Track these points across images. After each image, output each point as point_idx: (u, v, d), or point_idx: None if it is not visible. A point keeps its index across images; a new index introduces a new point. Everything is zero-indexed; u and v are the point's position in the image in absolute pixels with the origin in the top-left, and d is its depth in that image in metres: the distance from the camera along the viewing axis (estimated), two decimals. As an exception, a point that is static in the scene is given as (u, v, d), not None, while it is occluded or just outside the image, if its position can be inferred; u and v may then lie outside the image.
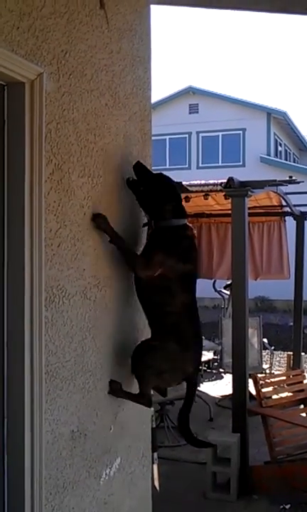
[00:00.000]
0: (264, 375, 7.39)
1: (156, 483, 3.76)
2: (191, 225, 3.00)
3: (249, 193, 5.11)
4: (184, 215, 2.95)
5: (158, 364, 2.82)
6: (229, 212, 5.30)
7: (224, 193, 5.46)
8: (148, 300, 2.90)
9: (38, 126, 2.18)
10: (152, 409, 3.62)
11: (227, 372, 8.07)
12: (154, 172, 3.01)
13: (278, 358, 10.40)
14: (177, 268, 2.80)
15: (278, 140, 21.86)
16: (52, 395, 2.29)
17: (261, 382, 5.24)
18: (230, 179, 5.09)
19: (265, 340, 8.80)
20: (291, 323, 8.97)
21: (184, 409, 3.07)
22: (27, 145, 2.14)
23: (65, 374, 2.39)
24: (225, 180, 5.15)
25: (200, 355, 3.12)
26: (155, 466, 3.70)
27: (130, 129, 3.03)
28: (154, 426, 3.72)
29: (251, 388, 5.29)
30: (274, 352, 9.82)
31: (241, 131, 20.34)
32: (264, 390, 5.19)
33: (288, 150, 23.85)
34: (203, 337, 9.23)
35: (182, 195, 6.48)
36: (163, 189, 2.92)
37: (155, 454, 3.69)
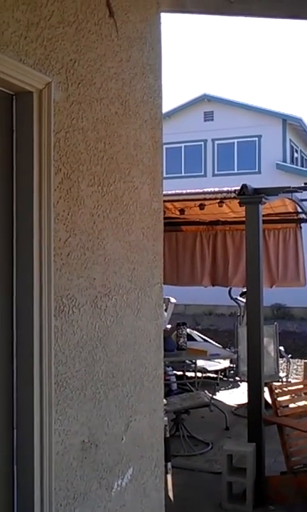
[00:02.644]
0: (280, 383, 7.33)
1: (171, 494, 3.73)
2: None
3: (263, 200, 5.09)
4: None
5: None
6: (244, 219, 5.27)
7: (238, 201, 5.43)
8: None
9: (47, 136, 2.18)
10: (166, 418, 3.59)
11: (244, 381, 8.00)
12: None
13: (295, 366, 10.31)
14: None
15: (294, 146, 21.77)
16: (62, 405, 2.28)
17: (277, 390, 5.18)
18: (244, 186, 5.07)
19: (281, 348, 8.72)
20: (308, 331, 8.88)
21: None
22: (35, 154, 2.14)
23: (75, 384, 2.37)
24: (239, 188, 5.12)
25: None
26: (169, 476, 3.67)
27: (141, 137, 3.02)
28: (168, 435, 3.70)
29: (268, 397, 5.24)
30: (291, 360, 9.74)
31: (256, 138, 20.29)
32: (279, 398, 5.13)
33: (305, 156, 23.74)
34: (220, 345, 9.11)
35: (197, 203, 6.52)
36: None
37: (170, 464, 3.66)
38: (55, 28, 2.25)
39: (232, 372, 8.92)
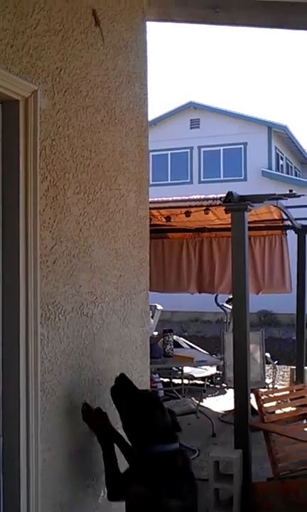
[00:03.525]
0: (266, 389, 7.34)
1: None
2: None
3: (249, 207, 5.11)
4: (174, 438, 2.50)
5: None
6: (230, 226, 5.29)
7: (224, 208, 5.45)
8: None
9: (33, 144, 2.19)
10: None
11: (230, 387, 8.00)
12: (140, 389, 2.66)
13: (281, 372, 10.33)
14: (168, 507, 2.34)
15: (280, 154, 21.90)
16: (48, 413, 2.27)
17: (263, 397, 5.19)
18: (229, 193, 5.08)
19: (268, 354, 8.74)
20: (295, 337, 8.92)
21: None
22: (21, 162, 2.15)
23: (62, 391, 2.37)
24: (225, 195, 5.14)
25: None
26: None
27: (127, 144, 3.04)
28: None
29: (254, 403, 5.25)
30: (278, 366, 9.76)
31: (242, 146, 20.39)
32: (266, 405, 5.13)
33: (290, 164, 23.89)
34: (206, 352, 9.10)
35: (183, 210, 6.54)
36: (151, 409, 2.47)
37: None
38: (41, 37, 2.27)
39: (218, 378, 8.92)
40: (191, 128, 21.04)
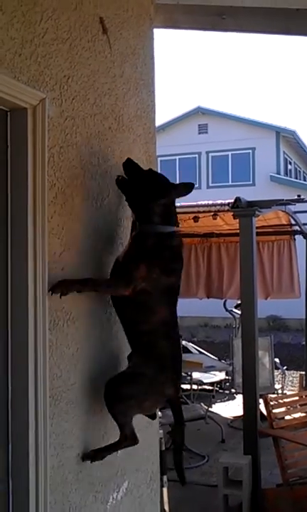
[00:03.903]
0: (275, 395, 7.32)
1: (166, 507, 3.72)
2: (182, 235, 2.77)
3: (257, 212, 5.12)
4: (174, 222, 2.66)
5: (134, 394, 2.53)
6: (238, 231, 5.30)
7: (232, 213, 5.46)
8: (124, 316, 2.64)
9: (41, 151, 2.20)
10: (161, 431, 3.59)
11: (239, 393, 7.98)
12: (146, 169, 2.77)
13: (290, 378, 10.31)
14: (158, 282, 2.53)
15: (288, 159, 21.90)
16: (57, 419, 2.28)
17: (272, 402, 5.18)
18: (237, 199, 5.10)
19: (277, 359, 8.73)
20: (304, 342, 8.90)
21: (177, 440, 2.80)
22: (30, 169, 2.17)
23: (70, 397, 2.38)
24: (233, 201, 5.16)
25: (180, 374, 2.77)
26: (165, 490, 3.66)
27: (134, 151, 3.05)
28: (164, 448, 3.69)
29: (263, 409, 5.24)
30: (287, 372, 9.74)
31: (250, 151, 20.42)
32: (275, 410, 5.13)
33: (298, 168, 23.89)
34: (215, 357, 9.10)
35: (191, 216, 6.55)
36: (154, 188, 2.62)
37: (165, 477, 3.66)
38: (49, 45, 2.29)
39: (227, 384, 8.92)
40: (199, 133, 21.09)
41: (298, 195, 6.37)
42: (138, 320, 2.59)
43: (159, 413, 3.38)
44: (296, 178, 22.67)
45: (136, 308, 2.56)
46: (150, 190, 2.61)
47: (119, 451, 2.72)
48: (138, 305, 2.55)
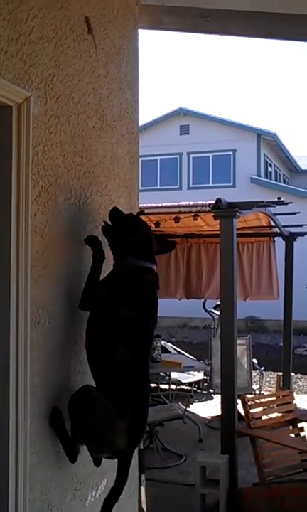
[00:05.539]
0: (253, 395, 7.38)
1: (144, 506, 3.73)
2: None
3: (237, 214, 5.16)
4: (151, 259, 2.61)
5: (85, 423, 2.34)
6: (219, 232, 5.33)
7: (212, 214, 5.49)
8: (90, 348, 2.50)
9: (25, 149, 2.21)
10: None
11: (217, 393, 8.04)
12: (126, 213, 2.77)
13: (268, 379, 10.39)
14: (121, 316, 2.44)
15: (268, 161, 22.04)
16: (37, 416, 2.29)
17: (249, 402, 5.23)
18: (218, 200, 5.13)
19: (255, 360, 8.79)
20: (282, 344, 8.98)
21: (113, 492, 2.47)
22: (13, 167, 2.17)
23: (51, 395, 2.38)
24: (214, 202, 5.19)
25: (141, 429, 2.55)
26: (142, 488, 3.67)
27: (117, 151, 3.07)
28: (142, 447, 3.71)
29: (241, 409, 5.28)
30: (264, 372, 9.82)
31: (231, 152, 20.50)
32: (252, 410, 5.18)
33: (278, 171, 24.04)
34: (194, 357, 9.10)
35: (172, 216, 6.57)
36: (133, 227, 2.64)
37: (143, 476, 3.67)
38: (34, 44, 2.29)
39: (205, 384, 8.95)
40: (181, 134, 21.13)
41: (279, 198, 6.42)
42: (99, 355, 2.46)
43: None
44: (276, 181, 22.82)
45: (98, 340, 2.45)
46: (131, 230, 2.62)
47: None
48: (101, 337, 2.45)
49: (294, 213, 7.14)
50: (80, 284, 2.61)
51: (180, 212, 6.46)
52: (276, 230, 7.97)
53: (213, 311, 9.18)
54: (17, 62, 2.17)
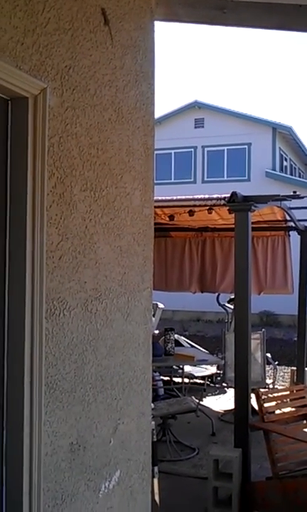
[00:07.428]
0: (266, 389, 7.37)
1: (157, 498, 3.75)
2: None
3: (252, 207, 5.14)
4: None
5: None
6: (233, 226, 5.32)
7: (227, 208, 5.48)
8: None
9: (41, 140, 2.21)
10: (153, 422, 3.62)
11: (230, 387, 8.04)
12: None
13: (282, 373, 10.37)
14: None
15: (284, 155, 21.92)
16: (51, 407, 2.30)
17: (263, 397, 5.22)
18: (234, 194, 5.11)
19: (268, 354, 8.77)
20: (296, 338, 8.95)
21: None
22: (29, 159, 2.17)
23: (65, 386, 2.40)
24: (229, 195, 5.17)
25: None
26: (155, 481, 3.69)
27: (133, 143, 3.06)
28: (155, 440, 3.72)
29: (254, 403, 5.28)
30: (278, 367, 9.80)
31: (246, 146, 20.42)
32: (266, 404, 5.16)
33: (294, 165, 23.91)
34: (207, 351, 9.09)
35: (186, 209, 6.57)
36: None
37: (156, 468, 3.69)
38: (51, 35, 2.29)
39: (218, 378, 8.95)
40: (195, 127, 21.08)
41: (294, 192, 6.39)
42: None
43: (152, 405, 3.40)
44: (291, 175, 22.71)
45: None
46: None
47: (111, 440, 2.75)
48: None
49: (310, 207, 7.10)
50: (94, 275, 2.61)
51: (194, 206, 6.45)
52: (291, 224, 7.93)
53: (227, 305, 9.17)
54: (33, 54, 2.17)
